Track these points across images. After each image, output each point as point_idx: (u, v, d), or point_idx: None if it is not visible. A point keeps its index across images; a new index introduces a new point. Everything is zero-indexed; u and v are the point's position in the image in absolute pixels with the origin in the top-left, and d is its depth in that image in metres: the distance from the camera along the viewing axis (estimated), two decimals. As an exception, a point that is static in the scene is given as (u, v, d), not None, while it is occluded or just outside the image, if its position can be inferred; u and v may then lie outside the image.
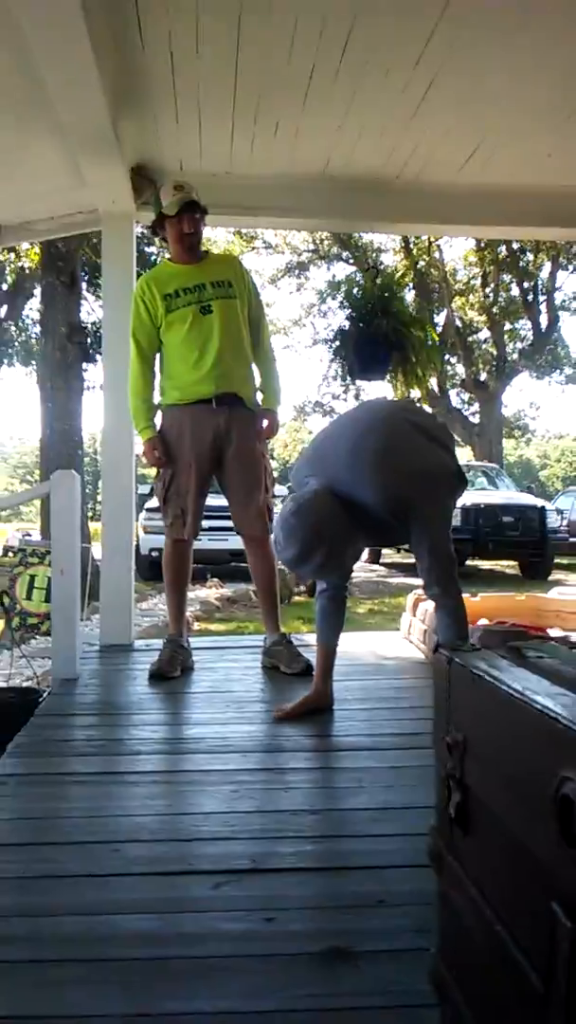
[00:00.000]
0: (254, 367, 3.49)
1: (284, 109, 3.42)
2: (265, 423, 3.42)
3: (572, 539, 12.53)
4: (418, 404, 3.52)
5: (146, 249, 13.40)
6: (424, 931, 1.44)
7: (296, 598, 9.26)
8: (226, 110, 3.42)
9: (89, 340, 9.52)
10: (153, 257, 13.98)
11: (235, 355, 3.35)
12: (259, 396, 3.46)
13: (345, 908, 1.56)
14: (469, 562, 11.07)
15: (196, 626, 7.22)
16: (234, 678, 3.36)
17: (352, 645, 3.93)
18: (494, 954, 0.85)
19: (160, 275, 3.43)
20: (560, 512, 13.38)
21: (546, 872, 0.72)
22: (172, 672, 3.29)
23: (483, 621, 3.77)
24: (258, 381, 3.49)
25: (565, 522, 13.09)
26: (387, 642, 4.19)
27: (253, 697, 3.11)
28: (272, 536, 2.77)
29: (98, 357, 10.17)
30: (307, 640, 4.24)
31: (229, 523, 3.55)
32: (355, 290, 3.97)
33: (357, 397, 19.06)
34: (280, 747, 2.54)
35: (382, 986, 1.31)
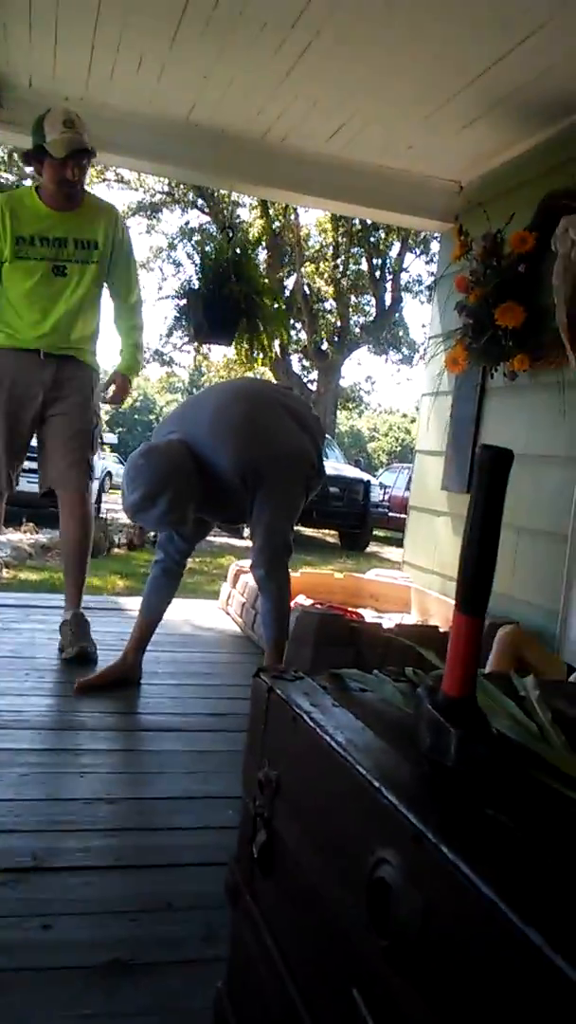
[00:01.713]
0: (115, 327, 3.24)
1: (150, 45, 3.18)
2: (113, 387, 3.19)
3: (392, 514, 13.04)
4: (296, 394, 3.37)
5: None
6: (211, 938, 1.39)
7: (116, 550, 9.03)
8: (86, 32, 3.14)
9: None
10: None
11: (80, 322, 3.07)
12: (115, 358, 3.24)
13: (131, 912, 1.48)
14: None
15: (5, 573, 6.86)
16: (39, 642, 3.17)
17: (168, 613, 3.82)
18: (284, 1012, 0.80)
19: (21, 206, 3.00)
20: (383, 487, 13.89)
21: (351, 953, 0.67)
22: None
23: (301, 597, 3.80)
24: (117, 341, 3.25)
25: (387, 497, 13.60)
26: (204, 612, 4.14)
27: (56, 666, 2.94)
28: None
29: None
30: (122, 603, 4.13)
31: None
32: (208, 247, 3.80)
33: (198, 350, 18.76)
34: (81, 725, 2.41)
35: (162, 1002, 1.24)
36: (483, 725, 0.74)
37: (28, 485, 9.91)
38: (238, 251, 3.91)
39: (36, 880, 1.54)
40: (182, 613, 4.01)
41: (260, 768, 0.92)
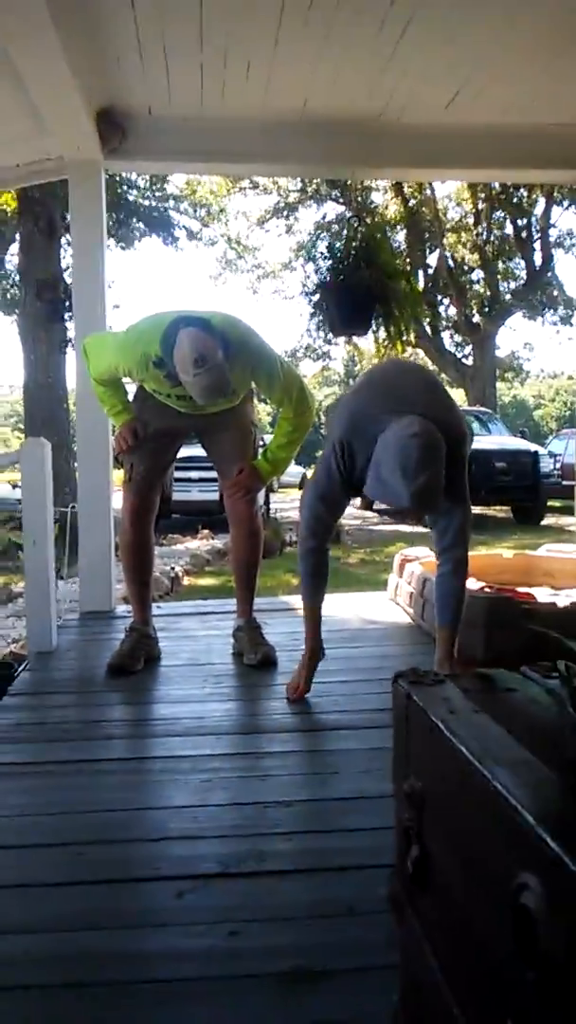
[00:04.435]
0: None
1: (254, 48, 3.20)
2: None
3: (564, 483, 12.44)
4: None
5: (127, 191, 12.94)
6: (393, 944, 1.37)
7: (288, 548, 9.17)
8: (193, 49, 3.19)
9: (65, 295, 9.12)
10: (132, 197, 13.40)
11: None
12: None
13: (313, 918, 1.49)
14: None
15: (186, 581, 7.15)
16: (215, 649, 3.27)
17: (337, 608, 3.84)
18: (452, 1034, 0.77)
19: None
20: (553, 456, 13.28)
21: (504, 981, 0.63)
22: (134, 666, 2.99)
23: (470, 581, 3.69)
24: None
25: (558, 466, 13.00)
26: (372, 604, 4.11)
27: (232, 671, 3.02)
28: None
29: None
30: (291, 603, 4.18)
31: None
32: (337, 242, 3.77)
33: (348, 341, 18.73)
34: (257, 728, 2.46)
35: (345, 1011, 1.24)
36: (633, 728, 0.67)
37: (200, 494, 10.24)
38: (368, 240, 3.84)
39: (221, 886, 1.59)
40: (352, 607, 4.01)
41: (406, 779, 0.89)
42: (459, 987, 0.76)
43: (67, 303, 8.88)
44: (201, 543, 9.16)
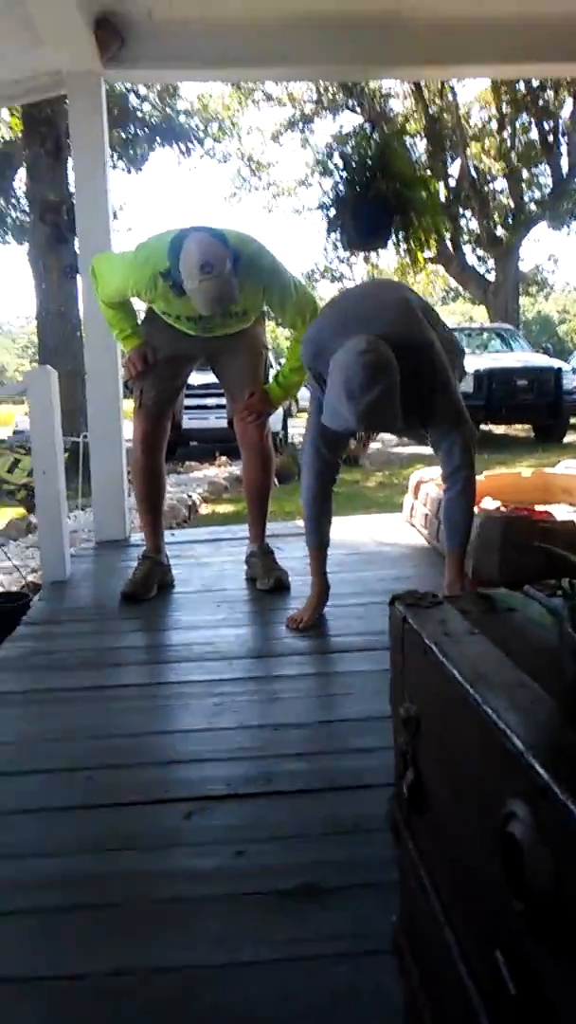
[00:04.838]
0: None
1: None
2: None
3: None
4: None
5: (139, 105, 12.44)
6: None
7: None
8: None
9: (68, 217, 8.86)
10: (139, 111, 12.90)
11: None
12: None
13: (319, 836, 1.49)
14: (482, 427, 10.77)
15: (203, 509, 7.13)
16: (228, 575, 3.25)
17: (352, 530, 3.81)
18: (442, 955, 0.75)
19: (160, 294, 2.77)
20: (576, 372, 12.96)
21: (493, 911, 0.60)
22: (147, 594, 2.98)
23: (487, 500, 3.63)
24: None
25: (582, 383, 12.70)
26: (389, 526, 4.07)
27: (245, 596, 3.01)
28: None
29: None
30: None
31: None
32: (350, 149, 3.58)
33: (367, 260, 18.22)
34: (270, 652, 2.46)
35: (348, 928, 1.24)
36: None
37: (217, 421, 10.15)
38: (383, 150, 3.64)
39: (229, 807, 1.59)
40: (367, 529, 3.97)
41: (402, 703, 0.86)
42: (452, 914, 0.73)
43: (73, 225, 8.66)
44: (219, 470, 9.11)
